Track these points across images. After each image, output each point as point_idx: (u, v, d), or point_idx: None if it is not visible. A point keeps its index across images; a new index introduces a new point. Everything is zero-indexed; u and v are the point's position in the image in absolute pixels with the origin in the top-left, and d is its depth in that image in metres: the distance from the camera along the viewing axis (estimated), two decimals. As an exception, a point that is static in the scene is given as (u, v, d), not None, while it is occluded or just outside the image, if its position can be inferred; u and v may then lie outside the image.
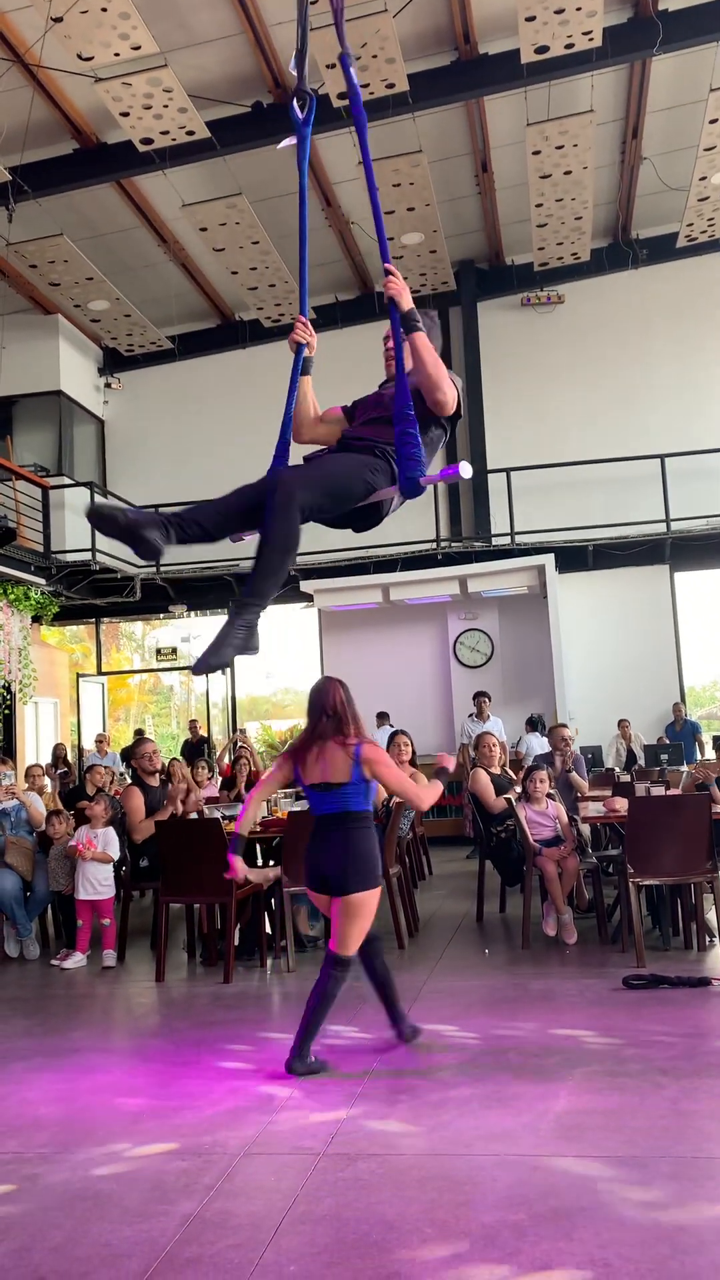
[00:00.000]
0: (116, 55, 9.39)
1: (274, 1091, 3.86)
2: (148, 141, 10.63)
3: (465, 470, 3.29)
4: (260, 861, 7.02)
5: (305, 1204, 2.90)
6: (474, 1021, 4.66)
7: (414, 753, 7.77)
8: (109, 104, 9.99)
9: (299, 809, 6.84)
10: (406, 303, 3.40)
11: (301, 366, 3.62)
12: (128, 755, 8.19)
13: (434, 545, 14.02)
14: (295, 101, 3.65)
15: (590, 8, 9.29)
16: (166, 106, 10.07)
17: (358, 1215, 2.81)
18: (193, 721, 15.18)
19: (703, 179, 12.46)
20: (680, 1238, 2.58)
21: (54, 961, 6.40)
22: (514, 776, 7.79)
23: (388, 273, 3.41)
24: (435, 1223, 2.74)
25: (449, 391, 3.45)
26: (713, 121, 11.24)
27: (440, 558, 13.80)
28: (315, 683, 4.48)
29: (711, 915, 5.83)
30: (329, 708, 4.30)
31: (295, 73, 3.64)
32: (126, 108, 10.04)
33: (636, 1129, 3.31)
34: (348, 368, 15.01)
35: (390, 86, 10.11)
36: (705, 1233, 2.61)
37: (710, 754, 12.20)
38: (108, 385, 16.05)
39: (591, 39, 9.74)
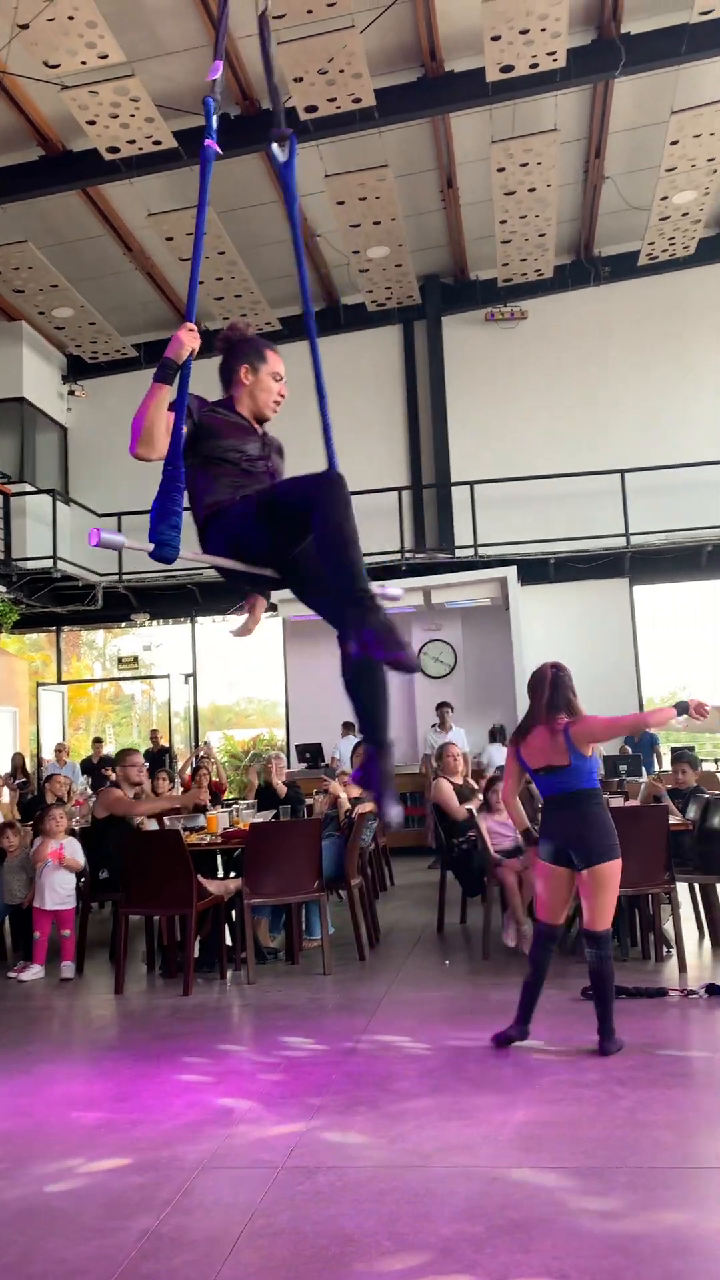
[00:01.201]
0: (83, 64, 9.38)
1: (233, 1104, 3.85)
2: (114, 150, 10.62)
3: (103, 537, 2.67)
4: (221, 873, 7.00)
5: (263, 1218, 2.89)
6: (434, 1032, 4.67)
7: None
8: (75, 112, 9.98)
9: (261, 819, 6.83)
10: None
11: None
12: (106, 763, 8.10)
13: (398, 556, 14.07)
14: (275, 145, 3.28)
15: (554, 29, 9.41)
16: (134, 116, 10.07)
17: (316, 1229, 2.80)
18: (154, 731, 15.10)
19: (664, 199, 12.65)
20: (636, 1248, 2.61)
21: (11, 974, 6.33)
22: (476, 787, 7.82)
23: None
24: (394, 1235, 2.74)
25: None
26: (674, 143, 11.43)
27: (404, 569, 13.85)
28: (536, 670, 4.66)
29: (669, 926, 5.88)
30: (539, 693, 4.49)
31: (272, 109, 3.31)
32: (93, 116, 10.03)
33: (594, 1139, 3.33)
34: (311, 379, 15.04)
35: (357, 101, 10.18)
36: (661, 1242, 2.63)
37: (668, 765, 12.31)
38: (71, 393, 15.97)
39: (555, 59, 9.87)
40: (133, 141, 10.50)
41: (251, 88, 10.47)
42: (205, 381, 3.11)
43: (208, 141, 3.04)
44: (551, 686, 4.51)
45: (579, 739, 4.37)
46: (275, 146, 3.31)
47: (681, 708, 4.40)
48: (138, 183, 11.60)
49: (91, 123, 10.13)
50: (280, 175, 3.36)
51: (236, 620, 3.33)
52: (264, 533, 2.91)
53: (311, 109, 10.22)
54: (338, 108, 10.26)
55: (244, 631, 3.34)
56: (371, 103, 10.25)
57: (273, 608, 3.59)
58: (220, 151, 3.10)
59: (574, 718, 4.43)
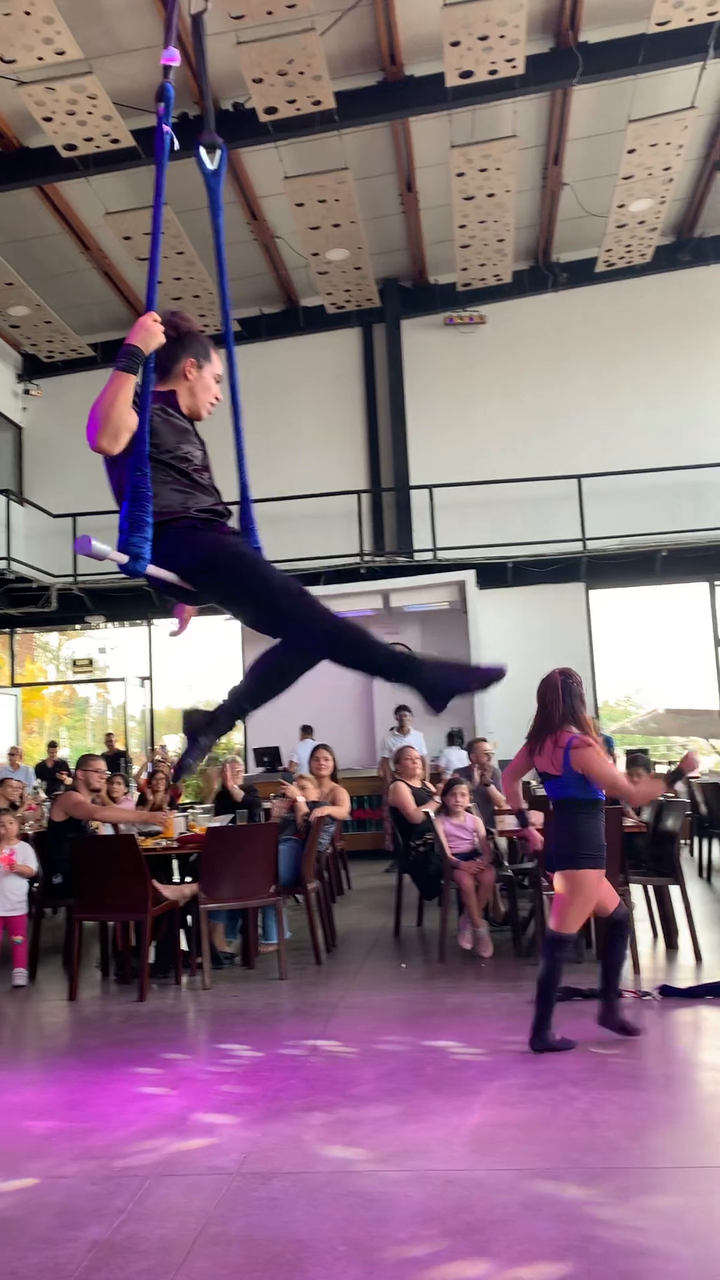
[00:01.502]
0: (40, 59, 9.30)
1: (187, 1111, 3.81)
2: (71, 148, 10.54)
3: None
4: (177, 878, 6.94)
5: (217, 1225, 2.86)
6: (390, 1036, 4.66)
7: (335, 766, 7.77)
8: (32, 109, 9.88)
9: (217, 824, 6.79)
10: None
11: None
12: (61, 768, 8.02)
13: (357, 560, 14.08)
14: (203, 150, 3.18)
15: (513, 36, 9.48)
16: (91, 113, 9.99)
17: (270, 1235, 2.78)
18: (109, 735, 14.96)
19: (621, 206, 12.79)
20: (591, 1248, 2.62)
21: (-38, 981, 6.23)
22: (434, 790, 7.84)
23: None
24: (348, 1240, 2.73)
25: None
26: (631, 151, 11.55)
27: (363, 572, 13.86)
28: (547, 676, 4.71)
29: (624, 928, 5.93)
30: (554, 703, 4.56)
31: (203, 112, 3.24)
32: (50, 113, 9.94)
33: (548, 1141, 3.34)
34: (272, 381, 15.03)
35: (317, 104, 10.18)
36: (614, 1242, 2.64)
37: (622, 767, 12.42)
38: (26, 392, 15.81)
39: (514, 66, 9.93)
40: (90, 139, 10.41)
41: (211, 86, 10.42)
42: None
43: (165, 127, 2.98)
44: (563, 696, 4.53)
45: (574, 763, 4.40)
46: (204, 153, 3.20)
47: (674, 777, 4.64)
48: (95, 181, 11.52)
49: (48, 120, 10.04)
50: (207, 184, 3.24)
51: (173, 623, 3.28)
52: (214, 588, 2.81)
53: (271, 110, 10.21)
54: (297, 110, 10.25)
55: (178, 633, 3.31)
56: (331, 105, 10.26)
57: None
58: (174, 140, 3.03)
59: (581, 734, 4.45)
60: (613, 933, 4.52)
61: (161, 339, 2.78)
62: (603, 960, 4.55)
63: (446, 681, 2.66)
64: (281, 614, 2.69)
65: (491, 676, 2.69)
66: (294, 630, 2.75)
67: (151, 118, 11.25)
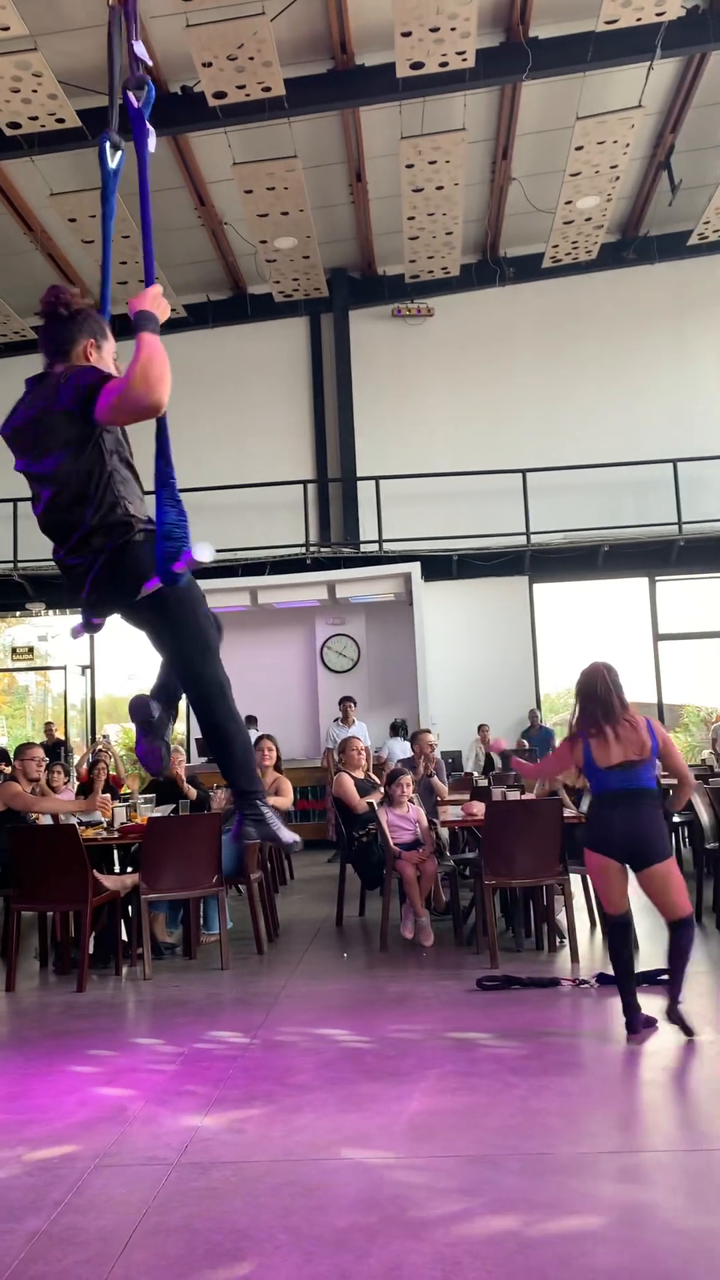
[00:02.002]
0: (-17, 34, 9.10)
1: (127, 1102, 3.79)
2: (15, 126, 10.35)
3: (204, 553, 2.55)
4: (118, 868, 6.89)
5: (157, 1215, 2.85)
6: (331, 1025, 4.68)
7: (279, 757, 7.76)
8: (-26, 84, 9.67)
9: (159, 814, 6.75)
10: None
11: None
12: (19, 755, 7.79)
13: (303, 550, 14.05)
14: (108, 146, 3.17)
15: (464, 29, 9.49)
16: (35, 91, 9.82)
17: (210, 1225, 2.78)
18: (49, 724, 14.77)
19: (568, 203, 12.88)
20: (526, 1233, 2.66)
21: None
22: (377, 781, 7.87)
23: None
24: (288, 1229, 2.74)
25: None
26: (578, 148, 11.64)
27: (309, 562, 13.84)
28: (590, 668, 4.67)
29: (562, 917, 6.01)
30: (611, 693, 4.53)
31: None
32: (-7, 89, 9.74)
33: (487, 1128, 3.38)
34: (219, 369, 14.91)
35: (267, 90, 10.11)
36: (550, 1227, 2.69)
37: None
38: (-33, 374, 15.50)
39: (465, 59, 9.95)
40: (35, 118, 10.23)
41: (160, 68, 10.29)
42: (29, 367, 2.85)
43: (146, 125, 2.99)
44: (614, 685, 4.56)
45: (661, 745, 4.46)
46: (108, 147, 3.16)
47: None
48: (40, 161, 11.32)
49: (-8, 96, 9.84)
50: (104, 182, 3.25)
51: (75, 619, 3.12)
52: (153, 622, 2.73)
53: (220, 95, 10.11)
54: (247, 95, 10.17)
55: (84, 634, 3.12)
56: (281, 92, 10.19)
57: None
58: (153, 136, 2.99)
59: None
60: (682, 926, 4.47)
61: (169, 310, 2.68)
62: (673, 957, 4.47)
63: (258, 833, 2.77)
64: (195, 683, 2.74)
65: (289, 848, 2.86)
66: (193, 700, 2.79)
67: (98, 98, 11.05)
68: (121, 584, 2.64)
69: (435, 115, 11.36)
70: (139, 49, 2.99)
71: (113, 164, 3.18)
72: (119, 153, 3.17)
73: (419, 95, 10.69)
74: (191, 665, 2.74)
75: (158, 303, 2.62)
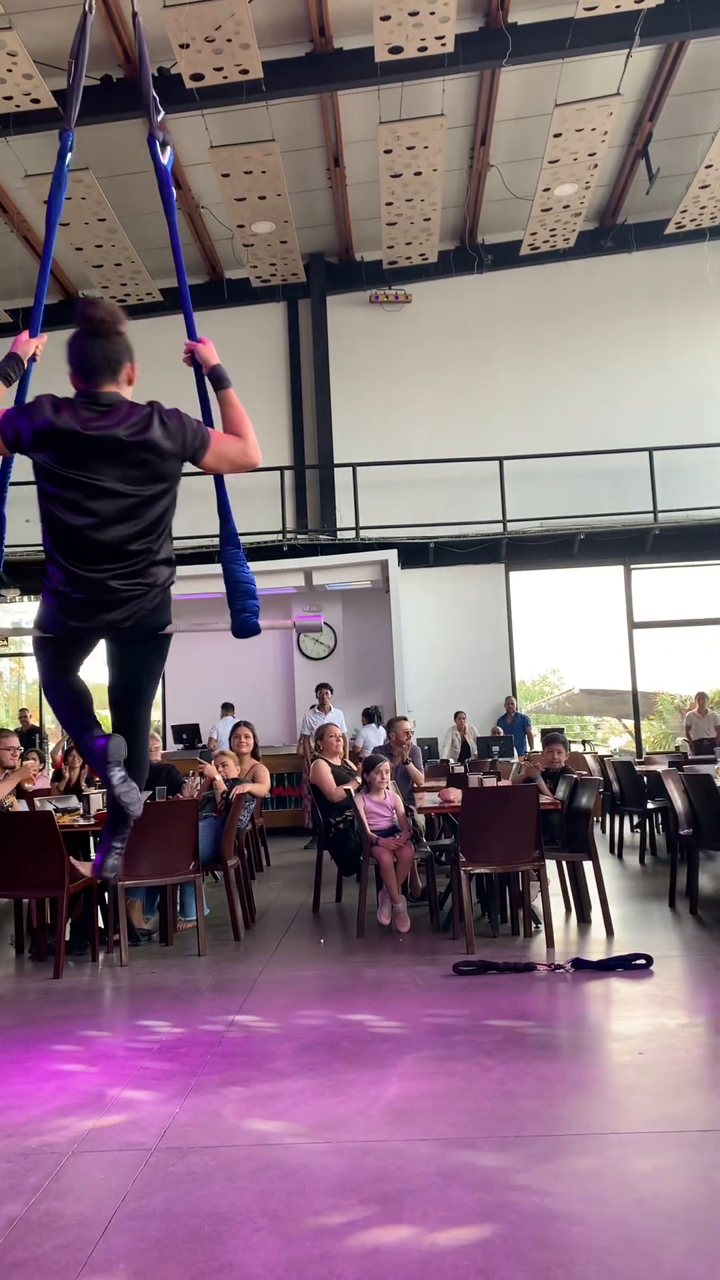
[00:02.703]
0: (-43, 12, 8.98)
1: (105, 1088, 3.79)
2: (-11, 105, 10.21)
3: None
4: (95, 855, 6.86)
5: (135, 1200, 2.86)
6: (308, 1011, 4.69)
7: (256, 743, 7.76)
8: (-52, 62, 9.54)
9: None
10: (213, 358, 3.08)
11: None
12: None
13: (280, 537, 14.02)
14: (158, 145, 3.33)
15: (443, 13, 9.45)
16: (10, 71, 9.70)
17: (189, 1209, 2.79)
18: (23, 710, 14.71)
19: (546, 190, 12.88)
20: (504, 1213, 2.68)
21: None
22: (354, 768, 7.88)
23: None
24: (268, 1213, 2.75)
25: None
26: (557, 135, 11.63)
27: (286, 549, 13.82)
28: None
29: (538, 903, 6.05)
30: None
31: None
32: (-33, 68, 9.61)
33: (464, 1111, 3.41)
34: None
35: (244, 73, 10.03)
36: (526, 1208, 2.71)
37: (539, 746, 12.67)
38: (-60, 357, 15.33)
39: (444, 44, 9.92)
40: (9, 98, 10.11)
41: (132, 49, 10.17)
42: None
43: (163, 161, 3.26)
44: None
45: None
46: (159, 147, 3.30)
47: None
48: (14, 142, 11.18)
49: (-35, 75, 9.71)
50: (51, 194, 3.47)
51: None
52: (130, 663, 3.03)
53: (198, 77, 10.03)
54: (225, 78, 10.09)
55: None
56: (259, 75, 10.12)
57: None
58: (170, 146, 3.24)
59: None
60: None
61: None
62: None
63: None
64: (146, 716, 3.08)
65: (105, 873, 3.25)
66: (135, 730, 3.04)
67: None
68: (159, 617, 2.87)
69: (414, 100, 11.32)
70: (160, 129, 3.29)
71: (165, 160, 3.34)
72: (169, 149, 3.34)
73: (398, 80, 10.64)
74: (149, 700, 3.09)
75: (213, 352, 3.01)
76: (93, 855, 6.79)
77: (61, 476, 2.73)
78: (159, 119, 3.28)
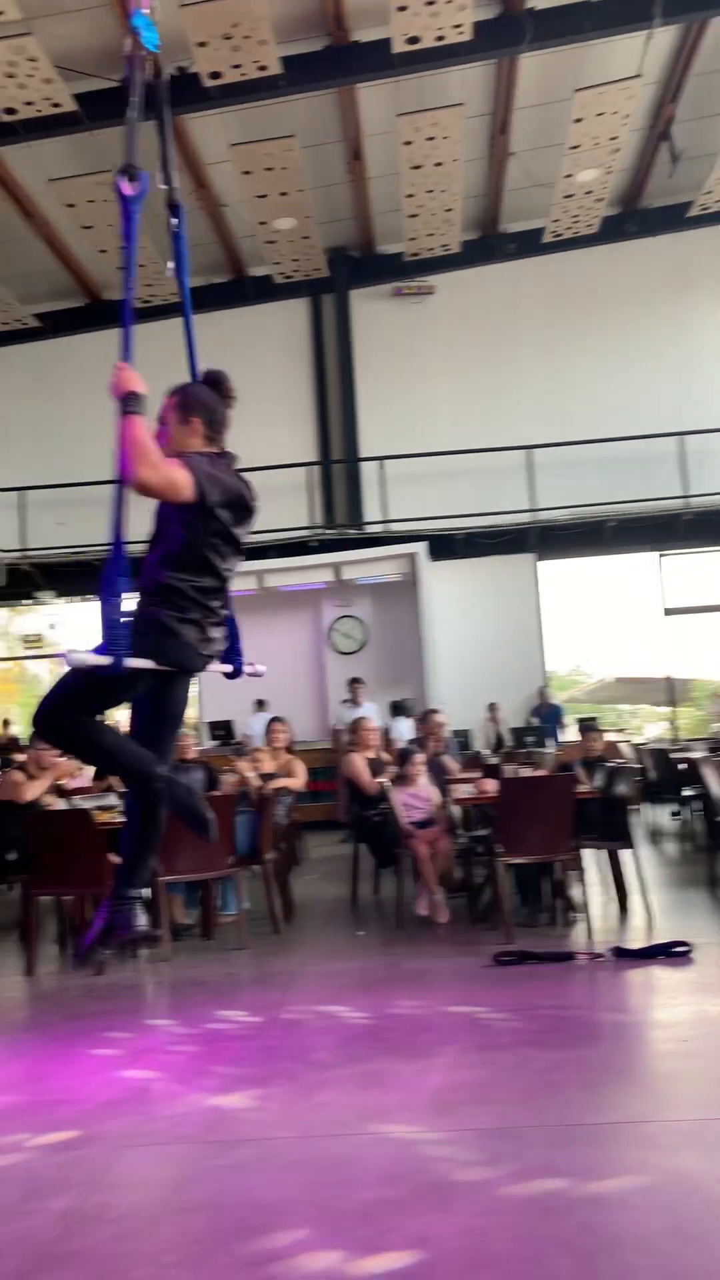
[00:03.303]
0: (-23, 19, 9.04)
1: (150, 1081, 3.84)
2: (11, 111, 10.28)
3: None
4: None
5: (183, 1192, 2.89)
6: (349, 1002, 4.71)
7: (290, 738, 7.79)
8: (-31, 70, 9.61)
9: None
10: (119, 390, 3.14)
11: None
12: (14, 745, 7.87)
13: (307, 533, 14.04)
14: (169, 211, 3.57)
15: (460, 1, 9.40)
16: (31, 76, 9.76)
17: (236, 1201, 2.82)
18: (61, 710, 14.80)
19: (568, 176, 12.78)
20: (550, 1201, 2.69)
21: None
22: (386, 759, 7.89)
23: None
24: (313, 1204, 2.77)
25: (144, 473, 2.91)
26: (578, 121, 11.54)
27: (314, 545, 13.83)
28: None
29: (576, 892, 6.04)
30: None
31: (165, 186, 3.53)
32: (-12, 75, 9.68)
33: (508, 1101, 3.41)
34: (219, 352, 14.85)
35: (262, 69, 10.03)
36: (573, 1195, 2.72)
37: (574, 736, 12.61)
38: (-31, 363, 15.47)
39: (461, 32, 9.86)
40: (31, 103, 10.17)
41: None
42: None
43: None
44: None
45: None
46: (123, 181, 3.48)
47: None
48: (36, 147, 11.25)
49: (-13, 82, 9.78)
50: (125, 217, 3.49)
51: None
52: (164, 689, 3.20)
53: (216, 75, 10.04)
54: (242, 74, 10.10)
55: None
56: (277, 70, 10.11)
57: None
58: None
59: None
60: None
61: None
62: None
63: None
64: (166, 755, 3.21)
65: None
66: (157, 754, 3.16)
67: (93, 81, 10.97)
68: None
69: (432, 90, 11.27)
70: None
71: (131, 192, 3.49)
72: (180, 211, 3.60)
73: (415, 71, 10.60)
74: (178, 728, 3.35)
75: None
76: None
77: (228, 532, 3.08)
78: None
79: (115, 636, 2.86)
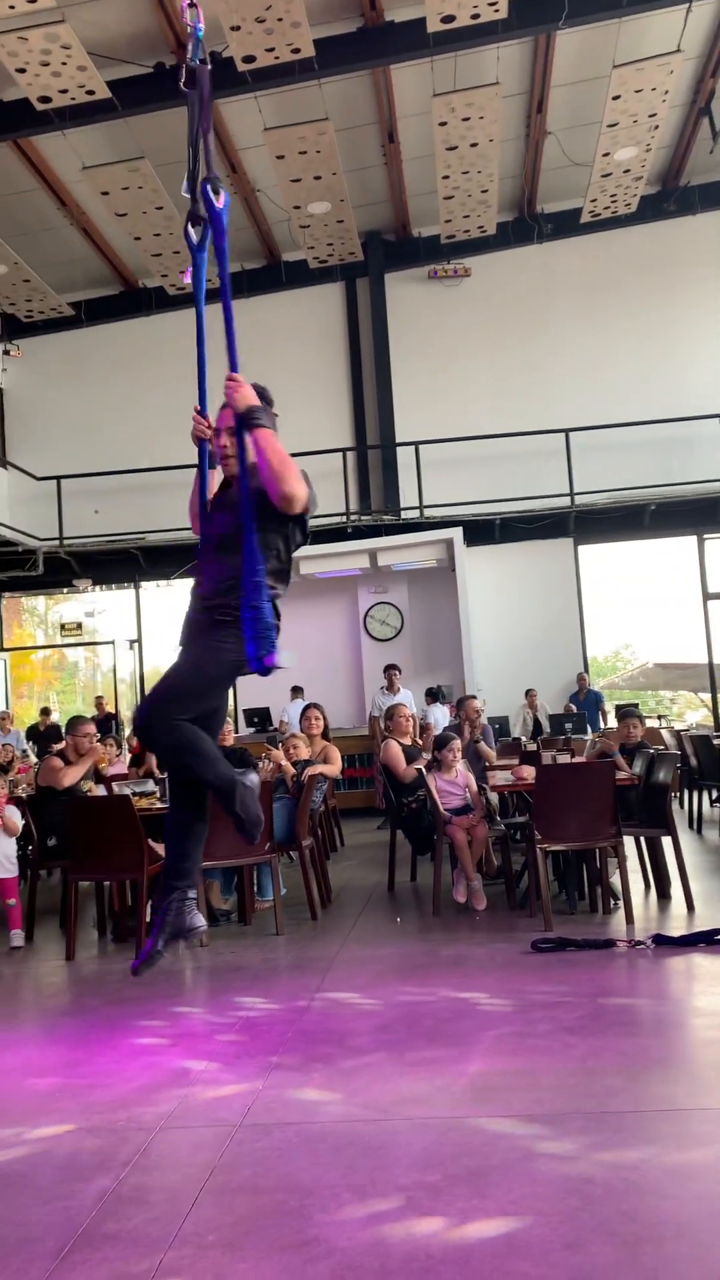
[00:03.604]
0: (11, 8, 9.08)
1: (189, 1066, 3.85)
2: (45, 100, 10.31)
3: (287, 660, 3.16)
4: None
5: (222, 1175, 2.90)
6: (387, 988, 4.71)
7: (326, 725, 7.79)
8: (4, 59, 9.66)
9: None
10: (244, 402, 3.25)
11: (209, 460, 3.43)
12: (55, 732, 7.87)
13: (343, 519, 14.02)
14: (189, 225, 3.41)
15: (496, -22, 9.28)
16: (65, 64, 9.77)
17: (275, 1184, 2.82)
18: (99, 698, 14.95)
19: (606, 155, 12.61)
20: (589, 1189, 2.66)
21: (-41, 944, 6.26)
22: (422, 744, 7.87)
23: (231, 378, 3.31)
24: (352, 1187, 2.77)
25: (295, 486, 3.16)
26: (615, 98, 11.37)
27: (350, 531, 13.81)
28: None
29: (615, 879, 5.99)
30: None
31: (189, 195, 3.39)
32: (23, 64, 9.72)
33: (547, 1087, 3.39)
34: (254, 338, 14.88)
35: (296, 52, 9.97)
36: (613, 1183, 2.69)
37: (613, 722, 12.51)
38: (6, 353, 15.59)
39: (497, 10, 9.75)
40: (65, 91, 10.19)
41: (184, 34, 10.19)
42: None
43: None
44: None
45: None
46: (189, 226, 3.42)
47: None
48: (71, 135, 11.29)
49: (21, 70, 9.81)
50: (191, 256, 3.44)
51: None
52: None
53: (249, 59, 10.00)
54: (276, 58, 10.05)
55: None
56: (311, 53, 10.06)
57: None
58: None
59: None
60: None
61: None
62: None
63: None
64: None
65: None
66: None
67: (126, 68, 10.98)
68: None
69: (468, 70, 11.15)
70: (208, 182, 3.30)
71: (196, 237, 3.42)
72: (204, 225, 3.40)
73: (450, 50, 10.50)
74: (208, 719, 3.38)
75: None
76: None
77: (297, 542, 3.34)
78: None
79: (271, 637, 3.07)
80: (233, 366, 3.32)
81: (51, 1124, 3.37)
